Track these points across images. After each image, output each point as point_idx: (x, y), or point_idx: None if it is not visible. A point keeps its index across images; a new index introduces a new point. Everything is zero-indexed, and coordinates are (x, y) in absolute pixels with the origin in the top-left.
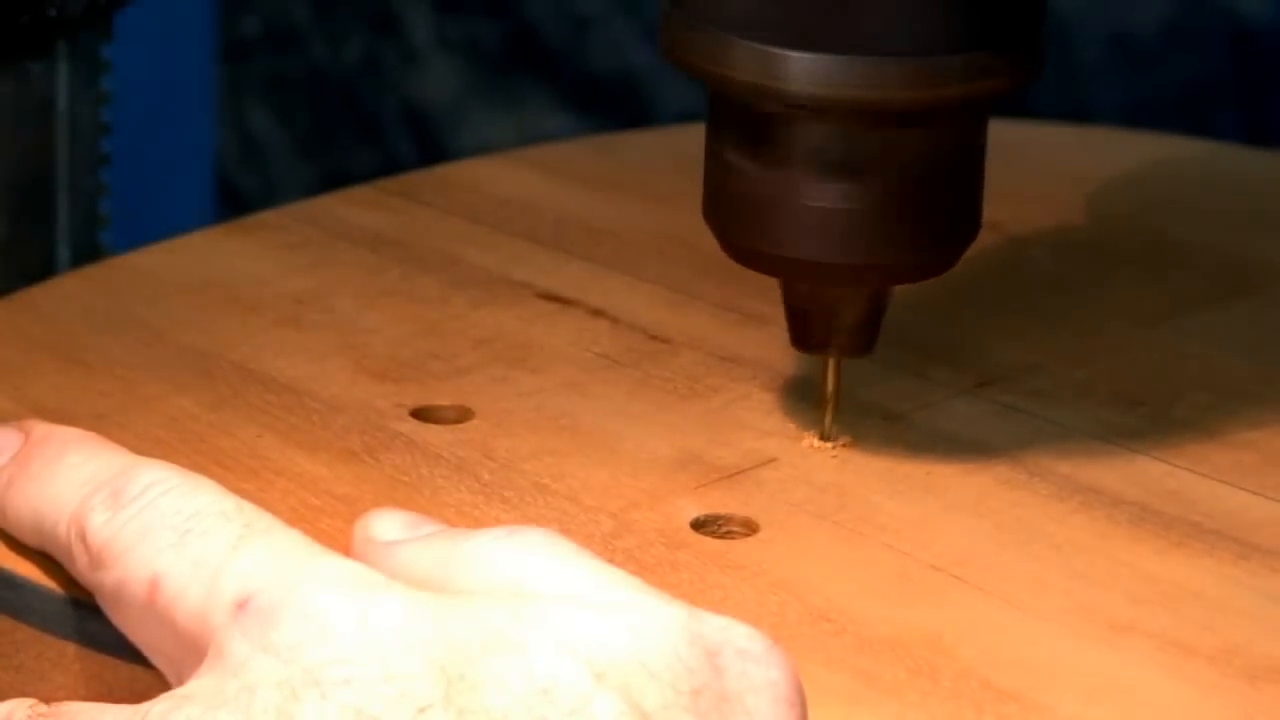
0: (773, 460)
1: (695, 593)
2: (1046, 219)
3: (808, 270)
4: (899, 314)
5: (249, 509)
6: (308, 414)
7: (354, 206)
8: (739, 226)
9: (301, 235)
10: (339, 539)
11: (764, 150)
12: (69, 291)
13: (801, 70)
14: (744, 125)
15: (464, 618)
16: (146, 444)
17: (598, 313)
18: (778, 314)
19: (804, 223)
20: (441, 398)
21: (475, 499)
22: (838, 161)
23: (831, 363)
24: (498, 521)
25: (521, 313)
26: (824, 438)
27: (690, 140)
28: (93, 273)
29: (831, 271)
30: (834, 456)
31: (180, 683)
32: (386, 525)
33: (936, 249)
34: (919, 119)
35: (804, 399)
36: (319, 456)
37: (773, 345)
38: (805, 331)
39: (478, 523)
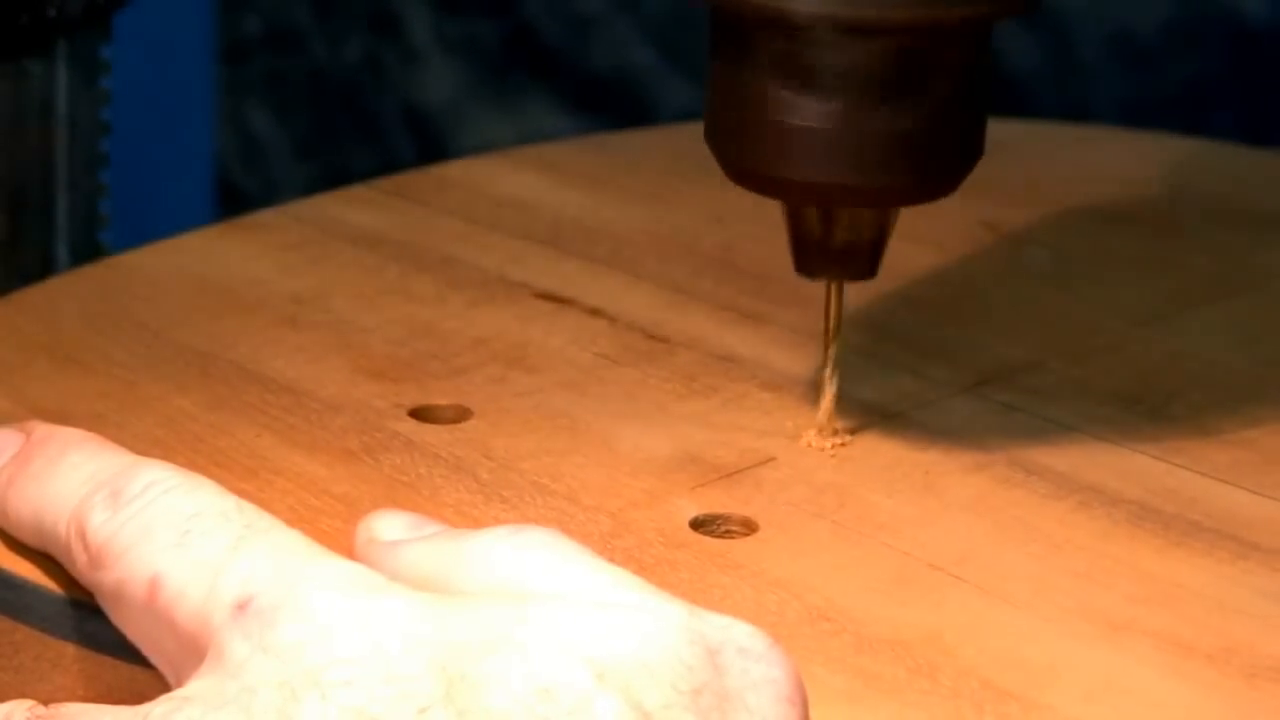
0: (771, 460)
1: (694, 592)
2: (1046, 219)
3: (808, 191)
4: (897, 313)
5: (249, 509)
6: (306, 414)
7: (351, 206)
8: (739, 148)
9: (299, 235)
10: (338, 539)
11: (763, 71)
12: (67, 291)
13: None
14: (744, 47)
15: (464, 618)
16: (145, 444)
17: (595, 312)
18: (776, 313)
19: (804, 144)
20: (440, 397)
21: (474, 499)
22: (838, 82)
23: (833, 289)
24: (497, 521)
25: (519, 312)
26: (830, 365)
27: (689, 139)
28: (91, 272)
29: (831, 192)
30: (832, 456)
31: (180, 683)
32: (389, 526)
33: (940, 171)
34: (921, 40)
35: (802, 398)
36: (318, 456)
37: (771, 344)
38: (807, 256)
39: (477, 522)
